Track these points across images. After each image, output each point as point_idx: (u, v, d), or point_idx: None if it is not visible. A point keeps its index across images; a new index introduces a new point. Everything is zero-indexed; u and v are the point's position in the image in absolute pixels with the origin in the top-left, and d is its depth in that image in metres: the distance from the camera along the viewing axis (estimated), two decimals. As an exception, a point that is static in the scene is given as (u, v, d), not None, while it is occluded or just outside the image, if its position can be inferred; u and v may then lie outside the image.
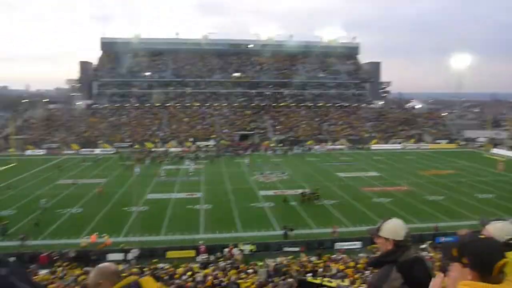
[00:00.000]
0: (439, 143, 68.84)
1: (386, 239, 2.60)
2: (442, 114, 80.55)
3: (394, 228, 2.62)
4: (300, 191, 34.01)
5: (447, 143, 69.01)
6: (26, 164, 48.49)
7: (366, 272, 16.58)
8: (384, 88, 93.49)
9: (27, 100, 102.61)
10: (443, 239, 23.70)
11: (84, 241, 23.44)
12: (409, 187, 37.62)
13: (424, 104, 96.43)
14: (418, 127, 74.54)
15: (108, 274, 2.23)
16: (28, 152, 60.10)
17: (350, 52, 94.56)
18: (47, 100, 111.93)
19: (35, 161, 52.05)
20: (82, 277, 16.88)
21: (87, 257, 21.49)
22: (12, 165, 43.29)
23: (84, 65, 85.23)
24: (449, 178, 41.48)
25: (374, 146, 67.16)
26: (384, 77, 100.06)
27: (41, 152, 60.78)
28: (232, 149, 61.60)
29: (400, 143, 68.54)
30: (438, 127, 74.87)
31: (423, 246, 21.00)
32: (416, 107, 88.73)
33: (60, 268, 19.12)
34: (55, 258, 20.86)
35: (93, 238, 23.77)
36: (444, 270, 3.57)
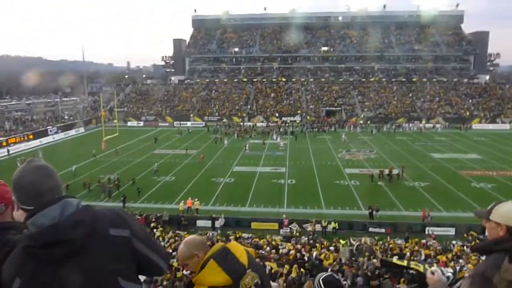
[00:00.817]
0: (557, 124, 60.30)
1: (498, 224, 2.30)
2: None
3: (508, 212, 2.29)
4: (386, 170, 32.47)
5: None
6: (127, 134, 53.59)
7: (460, 260, 15.44)
8: (492, 61, 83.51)
9: (128, 76, 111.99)
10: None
11: (181, 205, 25.29)
12: (517, 172, 33.74)
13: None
14: (532, 105, 65.87)
15: (200, 245, 2.30)
16: (129, 123, 66.24)
17: (452, 22, 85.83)
18: (145, 76, 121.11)
19: (134, 132, 57.26)
20: (173, 239, 18.30)
21: (179, 221, 23.26)
22: (115, 135, 47.95)
23: (177, 43, 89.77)
24: None
25: (476, 126, 61.24)
26: (492, 48, 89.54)
27: (140, 123, 66.58)
28: (318, 125, 60.84)
29: (510, 122, 61.42)
30: (557, 105, 65.29)
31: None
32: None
33: (157, 230, 20.93)
34: (152, 220, 22.86)
35: (189, 203, 25.55)
36: None
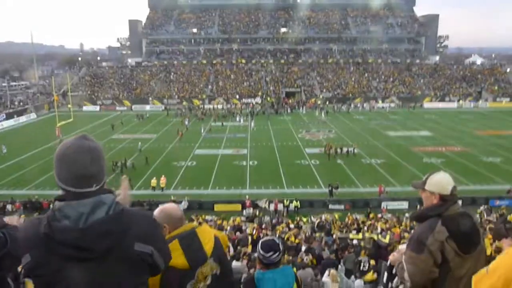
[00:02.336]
0: (500, 101, 64.24)
1: (432, 192, 2.48)
2: (506, 71, 74.24)
3: (440, 181, 2.47)
4: (345, 149, 33.49)
5: (509, 101, 64.22)
6: (83, 120, 51.51)
7: (412, 231, 16.32)
8: (441, 42, 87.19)
9: (81, 59, 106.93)
10: (497, 202, 22.66)
11: (154, 181, 26.09)
12: (464, 147, 35.78)
13: (486, 60, 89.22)
14: (477, 84, 69.69)
15: (175, 219, 2.24)
16: (84, 108, 63.60)
17: (405, 4, 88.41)
18: (100, 58, 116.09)
19: (90, 117, 55.14)
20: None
21: (140, 207, 22.89)
22: (70, 120, 45.97)
23: (133, 24, 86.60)
24: (509, 139, 38.91)
25: (427, 105, 64.05)
26: (441, 30, 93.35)
27: (96, 108, 64.10)
28: (278, 106, 61.28)
29: (458, 101, 64.75)
30: (499, 84, 69.50)
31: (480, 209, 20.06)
32: (476, 62, 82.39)
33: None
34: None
35: (162, 179, 26.20)
36: (498, 235, 3.35)
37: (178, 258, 2.05)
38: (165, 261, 1.81)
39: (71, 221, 1.58)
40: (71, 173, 1.61)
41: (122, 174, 27.36)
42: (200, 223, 17.90)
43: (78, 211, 1.59)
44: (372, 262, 7.69)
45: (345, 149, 33.37)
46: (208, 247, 2.15)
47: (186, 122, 47.91)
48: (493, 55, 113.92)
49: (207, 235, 2.21)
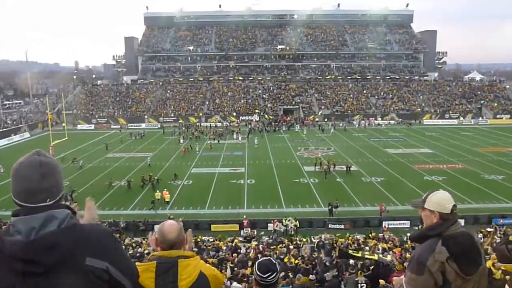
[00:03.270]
0: (500, 118, 64.76)
1: (431, 211, 2.47)
2: (505, 87, 75.09)
3: (440, 200, 2.47)
4: (344, 167, 33.60)
5: (510, 118, 64.73)
6: (77, 138, 51.51)
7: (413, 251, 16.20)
8: (440, 59, 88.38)
9: (76, 77, 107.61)
10: (501, 221, 22.59)
11: (158, 194, 27.14)
12: (465, 165, 35.89)
13: (485, 76, 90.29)
14: (477, 101, 70.35)
15: (167, 240, 2.18)
16: (79, 126, 63.68)
17: (402, 21, 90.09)
18: (95, 76, 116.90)
19: (84, 136, 55.16)
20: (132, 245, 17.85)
21: (136, 228, 22.70)
22: (64, 139, 45.91)
23: (129, 41, 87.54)
24: (510, 156, 39.07)
25: (427, 122, 64.48)
26: (440, 47, 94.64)
27: (91, 126, 64.18)
28: (276, 124, 61.51)
29: (456, 118, 65.23)
30: (499, 101, 70.19)
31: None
32: (475, 79, 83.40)
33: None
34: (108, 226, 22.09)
35: (165, 193, 27.35)
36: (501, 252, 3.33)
37: (148, 281, 2.01)
38: (129, 278, 1.77)
39: (23, 235, 1.59)
40: (22, 188, 1.65)
41: (155, 190, 28.49)
42: (196, 243, 17.73)
43: (29, 225, 1.61)
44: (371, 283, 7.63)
45: (338, 167, 33.40)
46: (185, 283, 2.03)
47: (181, 140, 48.17)
48: (492, 71, 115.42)
49: (189, 270, 2.07)
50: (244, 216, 23.46)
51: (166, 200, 27.00)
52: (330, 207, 24.47)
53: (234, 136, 51.50)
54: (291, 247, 17.80)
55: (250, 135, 52.61)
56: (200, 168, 36.03)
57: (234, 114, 67.05)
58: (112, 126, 63.56)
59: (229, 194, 28.48)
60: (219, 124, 62.54)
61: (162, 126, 62.16)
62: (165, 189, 28.10)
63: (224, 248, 17.45)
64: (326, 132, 54.53)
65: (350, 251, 12.15)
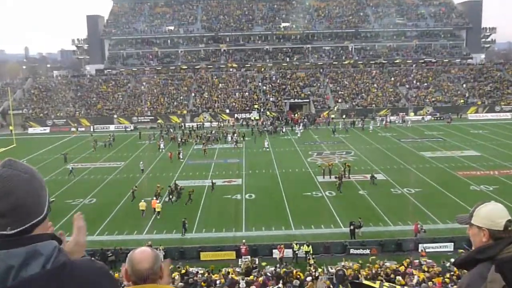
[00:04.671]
0: None
1: (480, 229, 2.44)
2: None
3: (490, 214, 2.43)
4: (368, 176, 33.61)
5: None
6: (28, 145, 51.49)
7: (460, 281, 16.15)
8: (487, 36, 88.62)
9: (26, 67, 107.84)
10: None
11: (143, 204, 28.32)
12: (522, 170, 35.94)
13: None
14: (536, 88, 70.49)
15: (136, 271, 2.13)
16: (30, 130, 63.66)
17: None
18: (50, 65, 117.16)
19: (38, 141, 55.16)
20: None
21: (104, 258, 22.61)
22: (11, 146, 45.94)
23: (93, 21, 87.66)
24: None
25: (472, 116, 64.50)
26: (487, 21, 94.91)
27: (45, 130, 64.17)
28: (280, 122, 61.51)
29: (510, 111, 65.32)
30: None
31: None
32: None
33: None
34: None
35: (154, 202, 28.66)
36: None
37: None
38: None
39: None
40: None
41: (181, 201, 29.50)
42: (182, 276, 17.68)
43: (6, 264, 1.54)
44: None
45: (361, 176, 33.46)
46: None
47: (162, 146, 48.30)
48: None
49: None
50: (243, 241, 23.38)
51: (157, 210, 27.98)
52: (351, 227, 24.40)
53: (229, 139, 51.46)
54: (308, 278, 17.74)
55: (247, 138, 52.51)
56: (185, 180, 35.93)
57: (227, 111, 67.18)
58: (72, 129, 63.51)
59: (223, 213, 28.41)
60: (207, 125, 62.52)
61: (136, 127, 62.17)
62: (154, 198, 29.22)
63: (218, 282, 17.37)
64: (342, 132, 54.69)
65: (365, 282, 12.11)
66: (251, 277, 18.33)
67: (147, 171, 39.17)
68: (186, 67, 79.30)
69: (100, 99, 71.16)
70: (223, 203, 30.47)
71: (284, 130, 57.99)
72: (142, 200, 28.86)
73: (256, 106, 67.84)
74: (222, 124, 62.18)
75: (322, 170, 35.72)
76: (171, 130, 58.34)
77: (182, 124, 63.17)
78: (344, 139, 51.04)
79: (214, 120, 64.88)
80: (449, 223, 25.33)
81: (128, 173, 38.83)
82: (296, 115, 65.36)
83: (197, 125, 62.27)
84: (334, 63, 79.51)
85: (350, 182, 33.71)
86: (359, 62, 79.61)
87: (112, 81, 75.95)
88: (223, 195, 32.00)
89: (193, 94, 71.90)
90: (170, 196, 31.28)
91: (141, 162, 40.32)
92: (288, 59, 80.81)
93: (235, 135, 51.26)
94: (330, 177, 34.29)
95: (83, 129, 63.72)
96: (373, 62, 79.52)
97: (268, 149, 46.59)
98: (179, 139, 51.42)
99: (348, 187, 32.64)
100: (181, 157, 43.56)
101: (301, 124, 59.88)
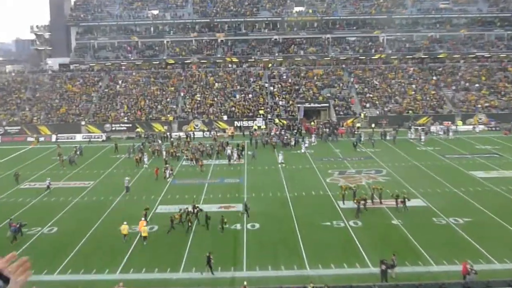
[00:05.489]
0: None
1: None
2: None
3: None
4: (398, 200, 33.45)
5: None
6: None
7: None
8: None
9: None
10: None
11: (124, 227, 29.25)
12: None
13: None
14: None
15: None
16: (-24, 140, 63.83)
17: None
18: (3, 58, 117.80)
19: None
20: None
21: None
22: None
23: (57, 4, 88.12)
24: None
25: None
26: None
27: (-6, 139, 64.37)
28: (292, 132, 61.39)
29: None
30: None
31: None
32: None
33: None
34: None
35: (142, 224, 29.76)
36: None
37: None
38: None
39: None
40: None
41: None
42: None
43: None
44: None
45: (390, 202, 33.33)
46: None
47: (146, 160, 48.79)
48: None
49: None
50: (244, 284, 23.27)
51: (143, 234, 28.96)
52: (382, 266, 24.21)
53: (228, 152, 51.24)
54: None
55: (249, 152, 52.47)
56: (170, 205, 35.90)
57: (225, 118, 67.19)
58: (29, 139, 63.64)
59: (219, 247, 28.21)
60: (198, 135, 62.51)
61: (109, 137, 62.24)
62: (143, 218, 30.62)
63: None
64: (366, 146, 54.81)
65: None
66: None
67: (121, 194, 39.06)
68: (173, 61, 79.59)
69: (64, 102, 71.35)
70: (219, 234, 30.32)
71: (293, 143, 57.65)
72: (124, 223, 29.42)
73: (261, 112, 67.88)
74: (217, 135, 62.08)
75: (342, 194, 35.54)
76: (159, 141, 58.43)
77: (167, 133, 63.15)
78: (373, 154, 50.90)
79: (208, 129, 64.90)
80: (507, 263, 25.13)
81: (99, 195, 38.71)
82: (312, 123, 65.32)
83: (186, 135, 62.27)
84: (360, 57, 79.70)
85: (381, 208, 33.58)
86: (393, 57, 79.70)
87: (80, 79, 76.28)
88: (219, 225, 31.82)
89: (182, 95, 72.04)
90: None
91: (126, 178, 40.74)
92: (302, 52, 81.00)
93: (234, 148, 51.19)
94: (354, 202, 34.08)
95: (42, 138, 63.80)
96: (410, 56, 79.59)
97: (283, 165, 46.91)
98: (164, 153, 51.52)
99: (378, 215, 32.52)
100: (167, 175, 43.54)
101: (313, 136, 59.91)
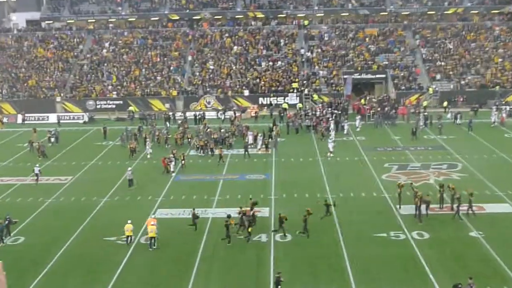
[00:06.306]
0: None
1: None
2: None
3: None
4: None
5: None
6: None
7: None
8: None
9: None
10: None
11: (129, 226, 30.53)
12: None
13: None
14: None
15: None
16: None
17: None
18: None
19: None
20: None
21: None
22: None
23: None
24: None
25: None
26: None
27: None
28: (336, 113, 61.26)
29: None
30: None
31: None
32: None
33: None
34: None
35: (149, 222, 30.99)
36: None
37: None
38: None
39: None
40: None
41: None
42: None
43: None
44: None
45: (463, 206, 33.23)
46: None
47: (148, 147, 49.19)
48: None
49: None
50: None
51: (151, 235, 30.15)
52: (456, 292, 24.23)
53: (249, 139, 51.39)
54: None
55: (283, 138, 52.60)
56: (172, 209, 36.25)
57: (246, 93, 67.22)
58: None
59: (239, 265, 28.47)
60: (211, 115, 62.71)
61: (92, 118, 62.73)
62: (153, 215, 31.99)
63: None
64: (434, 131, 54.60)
65: None
66: None
67: (110, 191, 39.42)
68: (177, 17, 79.77)
69: (33, 71, 72.06)
70: (239, 248, 30.52)
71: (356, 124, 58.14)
72: (129, 221, 30.53)
73: (294, 85, 67.77)
74: (235, 114, 62.45)
75: (398, 193, 35.47)
76: (167, 124, 59.29)
77: (170, 113, 63.27)
78: (444, 143, 50.61)
79: (223, 108, 65.01)
80: None
81: (79, 195, 39.15)
82: (364, 100, 65.08)
83: (195, 115, 62.38)
84: (429, 12, 79.07)
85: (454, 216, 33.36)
86: (473, 12, 78.92)
87: (54, 41, 76.83)
88: (239, 234, 31.99)
89: (189, 63, 72.27)
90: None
91: (129, 169, 41.22)
92: (350, 5, 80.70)
93: (259, 135, 51.28)
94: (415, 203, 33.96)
95: (6, 119, 64.47)
96: (497, 11, 78.76)
97: (332, 156, 47.48)
98: (165, 139, 51.94)
99: (451, 224, 32.38)
100: (172, 168, 43.85)
101: (357, 119, 59.94)
